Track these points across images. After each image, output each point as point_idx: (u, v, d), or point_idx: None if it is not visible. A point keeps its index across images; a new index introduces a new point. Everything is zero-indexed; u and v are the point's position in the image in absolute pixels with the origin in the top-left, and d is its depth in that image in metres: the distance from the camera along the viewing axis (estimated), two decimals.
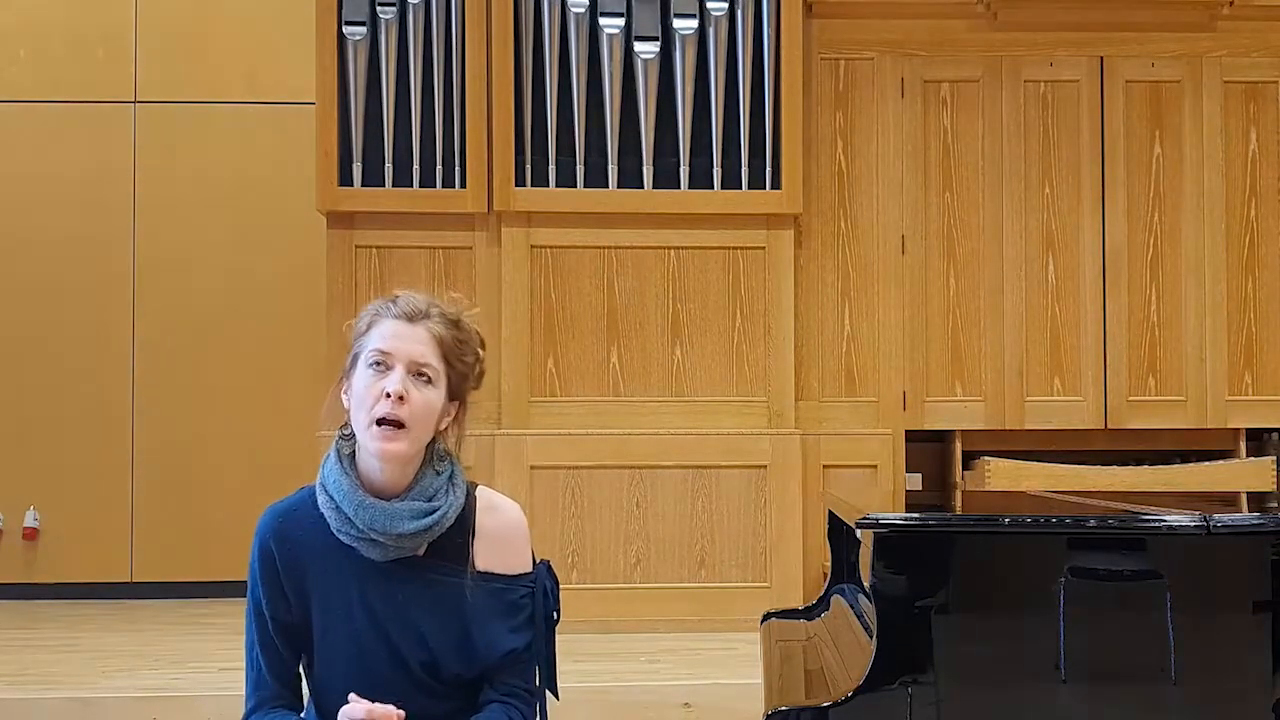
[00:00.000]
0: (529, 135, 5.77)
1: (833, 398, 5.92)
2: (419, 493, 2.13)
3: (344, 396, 2.15)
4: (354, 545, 2.11)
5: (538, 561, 2.25)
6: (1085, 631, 2.19)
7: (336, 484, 2.12)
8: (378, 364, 2.10)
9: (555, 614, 2.25)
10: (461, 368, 2.17)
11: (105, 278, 6.91)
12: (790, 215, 5.82)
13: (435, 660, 2.14)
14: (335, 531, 2.12)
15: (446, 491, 2.15)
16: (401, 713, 2.03)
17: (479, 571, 2.17)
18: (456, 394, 2.18)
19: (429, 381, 2.12)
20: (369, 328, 2.14)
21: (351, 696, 2.03)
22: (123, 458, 6.89)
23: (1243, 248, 6.00)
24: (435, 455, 2.17)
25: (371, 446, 2.09)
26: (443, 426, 2.17)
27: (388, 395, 2.07)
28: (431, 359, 2.12)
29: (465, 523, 2.18)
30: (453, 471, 2.19)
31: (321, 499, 2.13)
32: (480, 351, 2.21)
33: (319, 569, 2.14)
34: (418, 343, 2.11)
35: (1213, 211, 5.98)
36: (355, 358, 2.14)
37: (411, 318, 2.12)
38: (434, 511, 2.12)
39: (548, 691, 2.27)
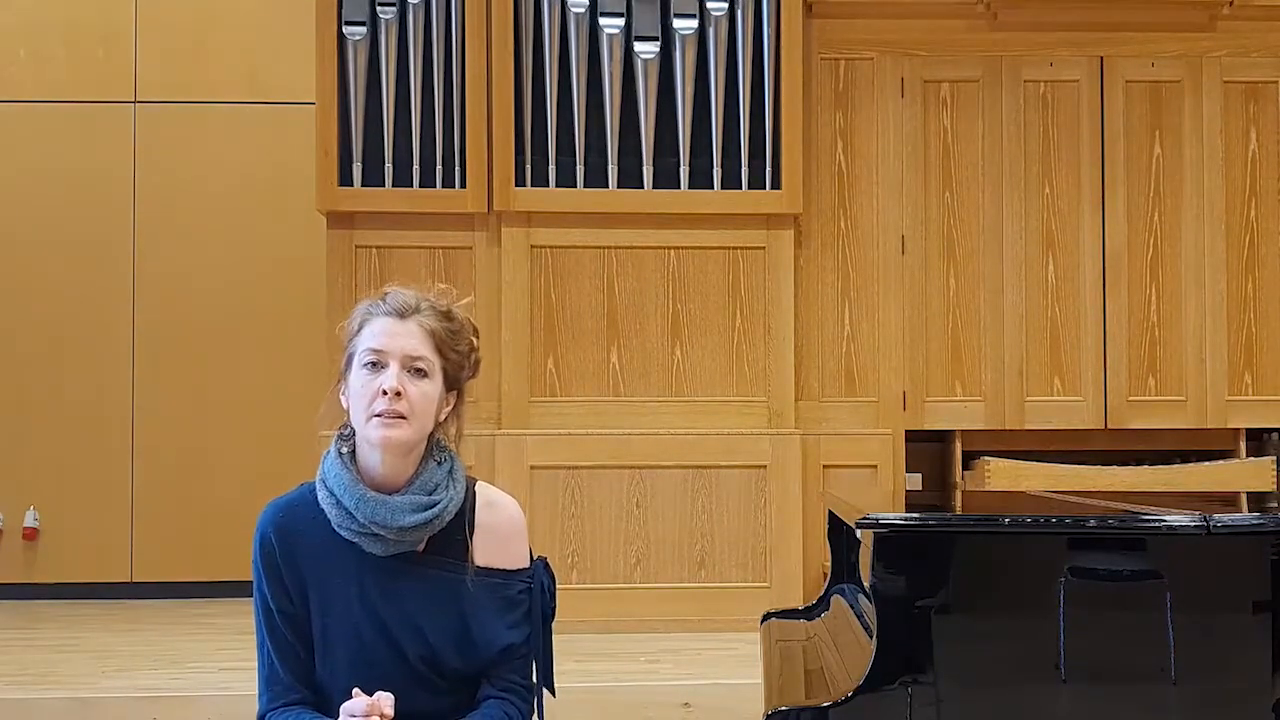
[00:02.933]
0: (529, 135, 5.77)
1: (833, 398, 5.92)
2: (419, 487, 2.15)
3: (342, 397, 2.17)
4: (355, 540, 2.12)
5: (534, 558, 2.26)
6: (1085, 631, 2.19)
7: (337, 478, 2.13)
8: (372, 363, 2.13)
9: (552, 610, 2.26)
10: (455, 358, 2.18)
11: (105, 277, 6.91)
12: (790, 215, 5.82)
13: (434, 655, 2.15)
14: (336, 527, 2.13)
15: (446, 486, 2.17)
16: (391, 696, 2.03)
17: (478, 567, 2.18)
18: (453, 384, 2.20)
19: (424, 374, 2.14)
20: (361, 327, 2.16)
21: (355, 692, 2.04)
22: (123, 458, 6.89)
23: (1243, 248, 6.00)
24: (435, 447, 2.19)
25: (373, 436, 2.11)
26: (442, 417, 2.19)
27: (384, 392, 2.09)
28: (425, 352, 2.14)
29: (464, 518, 2.19)
30: (453, 466, 2.20)
31: (322, 494, 2.14)
32: (474, 340, 2.23)
33: (319, 563, 2.15)
34: (410, 337, 2.13)
35: (1213, 211, 5.98)
36: (350, 358, 2.16)
37: (402, 314, 2.14)
38: (434, 505, 2.14)
39: (544, 689, 2.27)
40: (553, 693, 2.28)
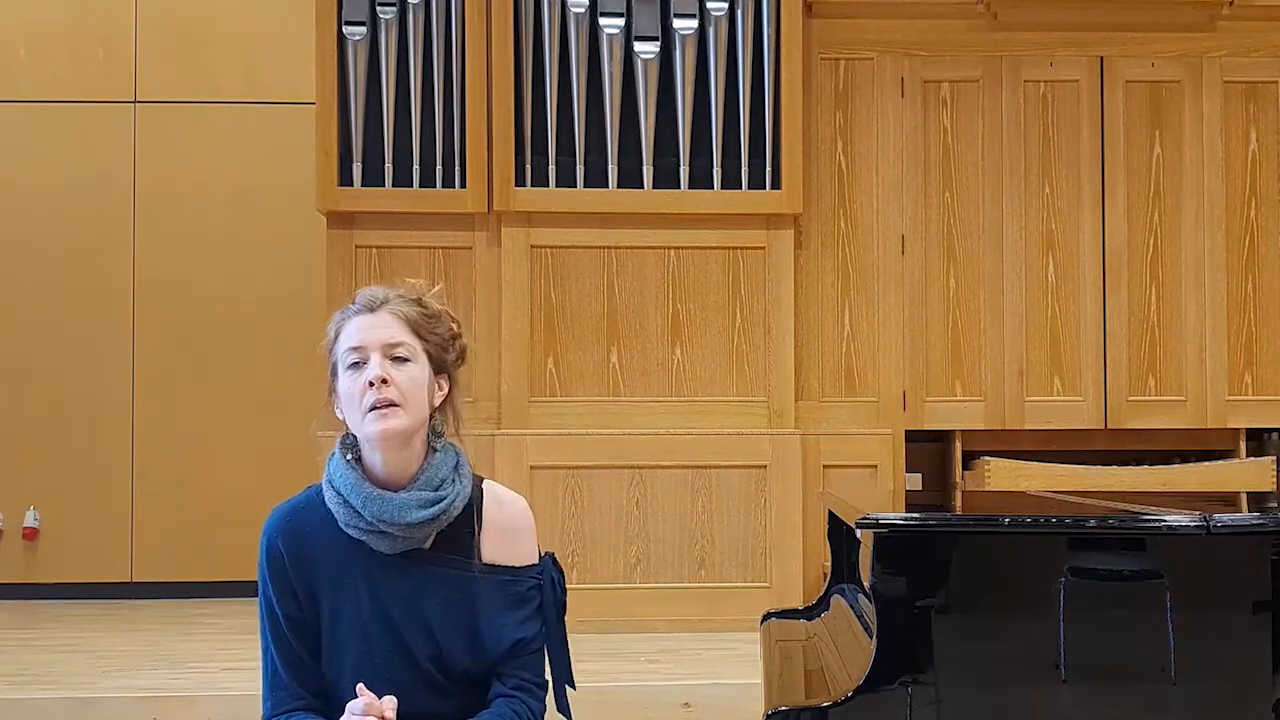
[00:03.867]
0: (529, 135, 5.78)
1: (833, 398, 5.92)
2: (425, 482, 2.15)
3: (336, 410, 2.18)
4: (363, 539, 2.13)
5: (542, 554, 2.27)
6: (1085, 631, 2.19)
7: (343, 479, 2.14)
8: (355, 362, 2.14)
9: (563, 605, 2.27)
10: (436, 339, 2.20)
11: (105, 277, 6.91)
12: (790, 215, 5.82)
13: (442, 654, 2.15)
14: (344, 526, 2.13)
15: (452, 481, 2.17)
16: (394, 700, 2.04)
17: (486, 564, 2.19)
18: (440, 367, 2.21)
19: (407, 359, 2.15)
20: (338, 334, 2.19)
21: (360, 689, 2.04)
22: (123, 458, 6.89)
23: (1243, 248, 6.00)
24: (433, 435, 2.20)
25: (371, 430, 2.11)
26: (436, 403, 2.20)
27: (371, 384, 2.10)
28: (403, 337, 2.16)
29: (472, 515, 2.20)
30: (458, 461, 2.21)
31: (328, 495, 2.15)
32: (454, 326, 2.25)
33: (327, 564, 2.15)
34: (385, 327, 2.15)
35: (1213, 211, 5.98)
36: (334, 366, 2.18)
37: (372, 307, 2.18)
38: (440, 500, 2.14)
39: (565, 684, 2.28)
40: (572, 686, 2.29)
